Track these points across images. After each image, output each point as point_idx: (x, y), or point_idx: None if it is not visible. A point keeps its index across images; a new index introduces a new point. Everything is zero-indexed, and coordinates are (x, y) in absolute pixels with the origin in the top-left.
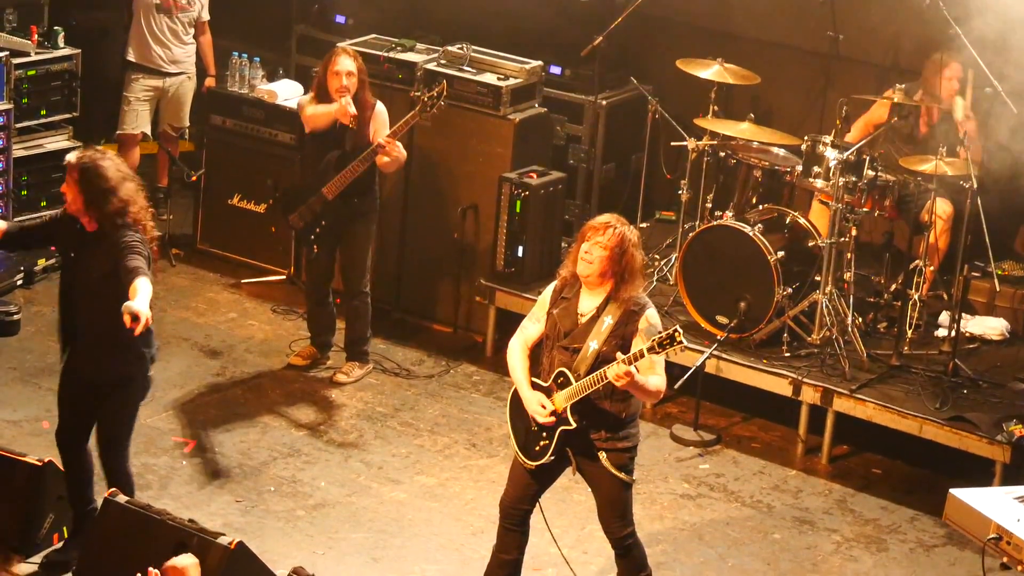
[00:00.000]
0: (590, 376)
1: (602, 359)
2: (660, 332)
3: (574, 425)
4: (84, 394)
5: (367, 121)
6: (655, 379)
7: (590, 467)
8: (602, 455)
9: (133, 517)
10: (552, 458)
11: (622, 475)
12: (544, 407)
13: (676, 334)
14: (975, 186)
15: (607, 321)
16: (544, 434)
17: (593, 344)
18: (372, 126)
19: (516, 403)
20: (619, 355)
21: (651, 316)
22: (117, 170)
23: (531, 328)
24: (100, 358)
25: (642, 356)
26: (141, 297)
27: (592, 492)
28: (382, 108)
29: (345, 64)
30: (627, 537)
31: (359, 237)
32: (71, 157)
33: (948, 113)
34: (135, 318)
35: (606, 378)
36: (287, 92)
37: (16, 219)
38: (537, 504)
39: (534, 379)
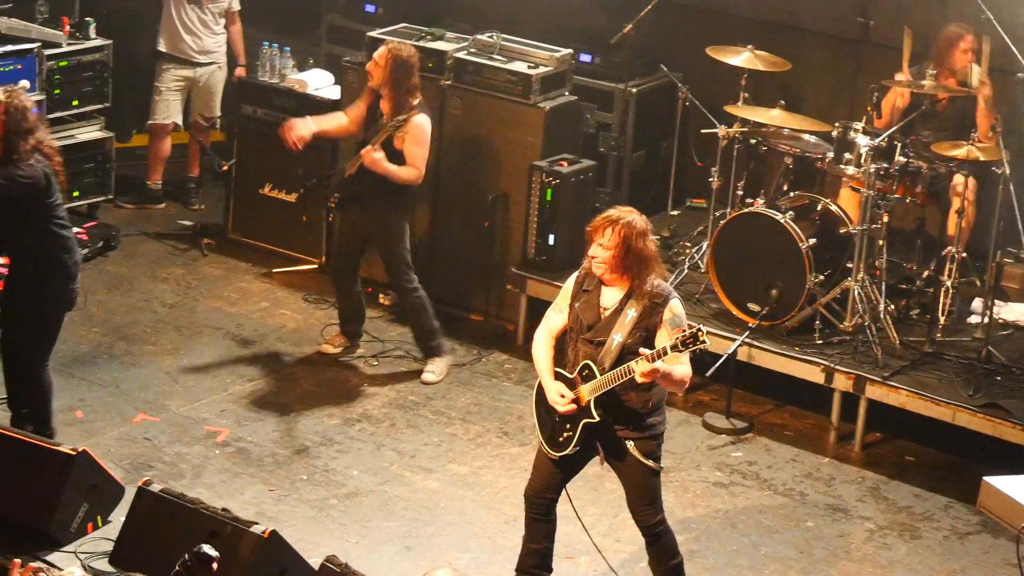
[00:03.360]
0: (615, 370)
1: (627, 351)
2: (684, 323)
3: (597, 419)
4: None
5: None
6: (680, 368)
7: (618, 457)
8: (629, 444)
9: (167, 507)
10: (576, 449)
11: (650, 462)
12: (563, 396)
13: (700, 334)
14: (1007, 171)
15: (631, 314)
16: (568, 425)
17: (617, 337)
18: (401, 131)
19: (541, 393)
20: (643, 351)
21: (675, 307)
22: (36, 111)
23: (555, 319)
24: (15, 272)
25: (666, 353)
26: None
27: (621, 481)
28: (419, 121)
29: (378, 52)
30: (658, 524)
31: (386, 233)
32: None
33: (965, 84)
34: None
35: (632, 373)
36: (317, 81)
37: None
38: (564, 492)
39: (559, 370)
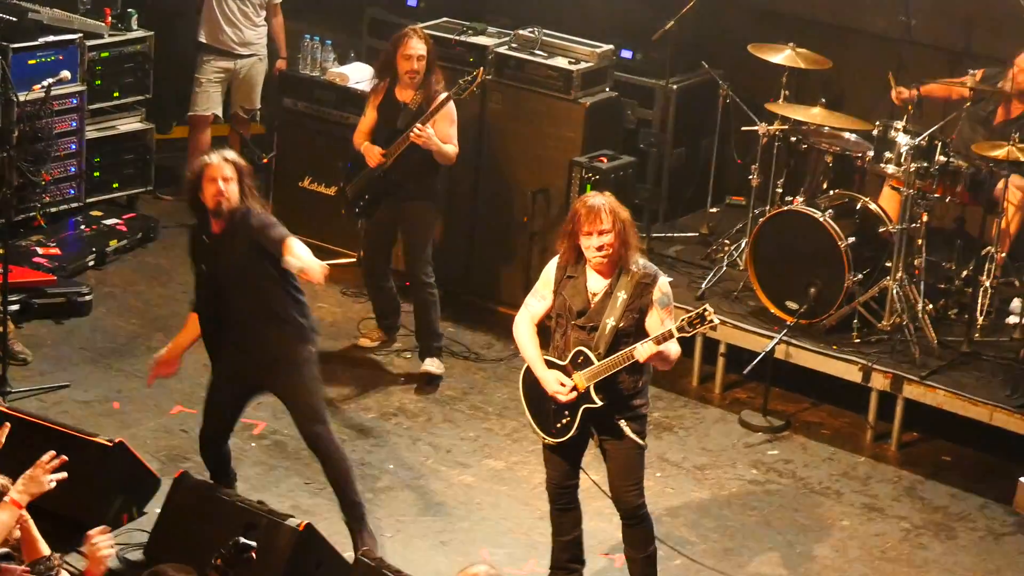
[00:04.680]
0: (616, 355)
1: (621, 335)
2: (672, 302)
3: (599, 404)
4: (250, 387)
5: (428, 104)
6: (674, 347)
7: (611, 438)
8: (623, 423)
9: (202, 499)
10: (576, 433)
11: (641, 440)
12: (564, 385)
13: (707, 313)
14: None
15: (621, 297)
16: (566, 412)
17: (610, 321)
18: (434, 116)
19: (530, 382)
20: (646, 341)
21: (663, 285)
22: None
23: (536, 305)
24: (269, 339)
25: (672, 336)
26: (302, 251)
27: (608, 463)
28: (452, 107)
29: (417, 48)
30: (642, 506)
31: (415, 223)
32: (229, 156)
33: None
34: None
35: (633, 357)
36: (358, 75)
37: None
38: (583, 479)
39: (548, 358)
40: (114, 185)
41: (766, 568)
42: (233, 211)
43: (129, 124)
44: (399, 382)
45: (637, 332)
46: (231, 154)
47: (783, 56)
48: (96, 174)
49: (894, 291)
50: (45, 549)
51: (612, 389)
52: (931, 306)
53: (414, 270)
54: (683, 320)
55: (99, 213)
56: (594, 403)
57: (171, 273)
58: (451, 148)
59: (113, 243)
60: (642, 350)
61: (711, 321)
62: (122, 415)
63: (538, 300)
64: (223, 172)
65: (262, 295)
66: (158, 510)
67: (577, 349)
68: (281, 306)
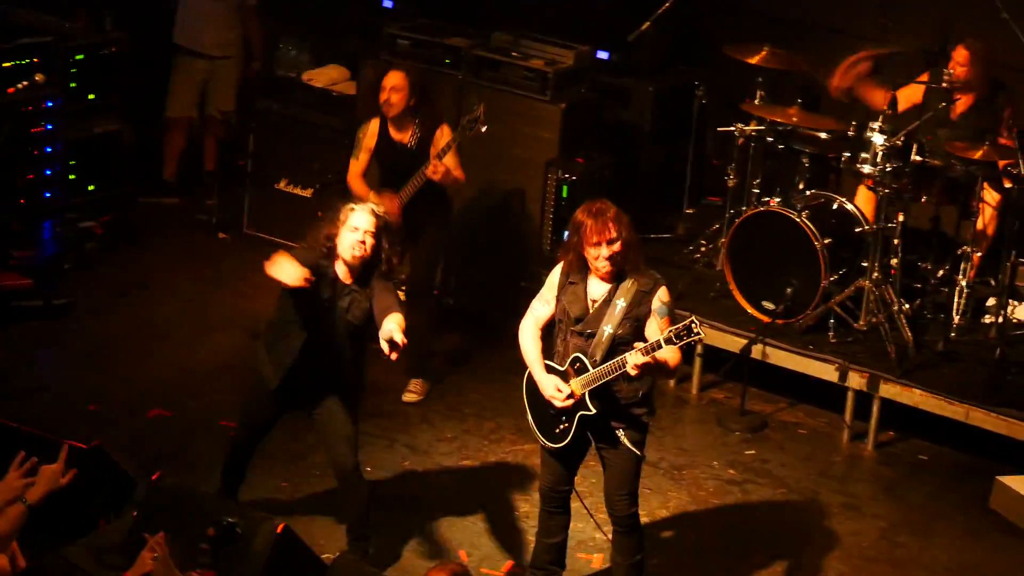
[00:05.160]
0: (608, 363)
1: (618, 343)
2: (672, 312)
3: (593, 411)
4: (298, 406)
5: (426, 143)
6: (672, 357)
7: (609, 445)
8: (620, 433)
9: (180, 502)
10: (573, 439)
11: (637, 451)
12: (560, 390)
13: (693, 326)
14: (1023, 173)
15: (620, 304)
16: (563, 417)
17: (608, 328)
18: (447, 153)
19: (533, 386)
20: (638, 345)
21: (662, 295)
22: None
23: (541, 309)
24: (340, 382)
25: (659, 347)
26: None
27: (604, 469)
28: (448, 128)
29: (389, 79)
30: (633, 515)
31: (424, 243)
32: (377, 210)
33: (979, 102)
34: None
35: (625, 366)
36: (334, 77)
37: None
38: (574, 488)
39: (549, 363)
40: (89, 187)
41: (744, 568)
42: (367, 269)
43: (104, 126)
44: (377, 383)
45: (635, 340)
46: (379, 208)
47: (760, 57)
48: (72, 176)
49: (870, 291)
50: (22, 561)
51: (610, 397)
52: (907, 306)
53: (423, 289)
54: (670, 332)
55: (75, 215)
56: (589, 410)
57: (148, 275)
58: (462, 173)
59: (90, 245)
60: (632, 361)
61: (697, 334)
62: (99, 417)
63: (543, 305)
64: (367, 225)
65: (353, 352)
66: (135, 513)
67: (574, 355)
68: (359, 362)
